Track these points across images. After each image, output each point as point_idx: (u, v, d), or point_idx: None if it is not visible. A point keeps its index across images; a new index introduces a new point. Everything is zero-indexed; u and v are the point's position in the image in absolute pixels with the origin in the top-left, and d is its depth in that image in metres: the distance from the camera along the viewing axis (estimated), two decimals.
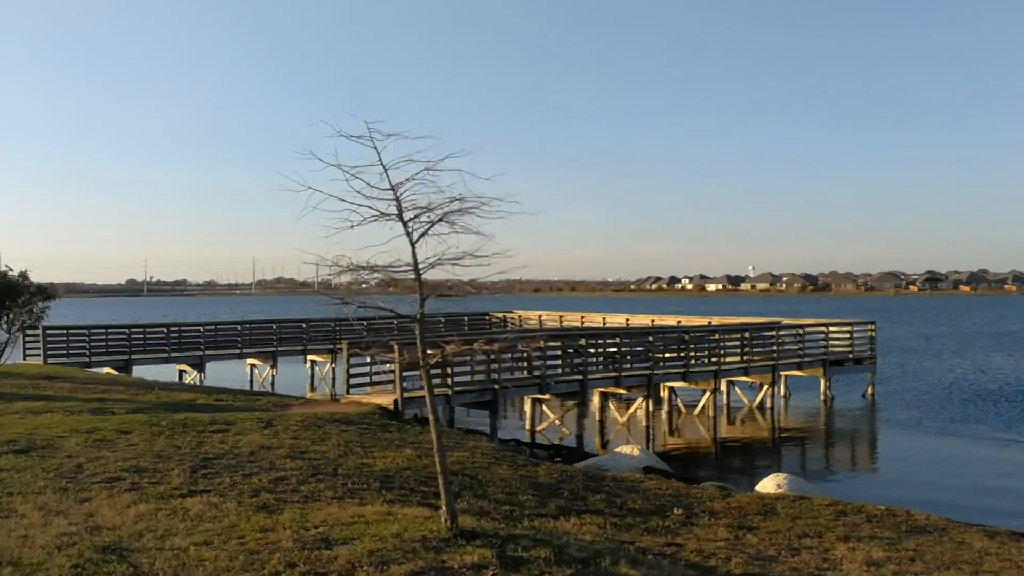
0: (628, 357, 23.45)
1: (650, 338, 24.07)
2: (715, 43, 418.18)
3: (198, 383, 32.80)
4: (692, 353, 24.93)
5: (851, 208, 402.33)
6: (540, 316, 41.85)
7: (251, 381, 35.97)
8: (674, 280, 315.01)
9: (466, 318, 42.01)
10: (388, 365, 21.39)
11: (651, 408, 24.09)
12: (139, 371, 31.74)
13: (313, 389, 35.86)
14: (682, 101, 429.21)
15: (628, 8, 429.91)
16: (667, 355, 24.41)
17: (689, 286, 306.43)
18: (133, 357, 31.78)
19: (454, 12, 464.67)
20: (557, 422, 23.17)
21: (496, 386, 20.70)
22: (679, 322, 35.90)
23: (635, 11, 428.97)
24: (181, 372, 34.14)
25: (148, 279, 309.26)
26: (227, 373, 36.19)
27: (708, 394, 25.75)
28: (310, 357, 37.09)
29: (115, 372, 31.10)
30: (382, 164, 8.37)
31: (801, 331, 28.20)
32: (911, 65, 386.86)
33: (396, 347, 19.69)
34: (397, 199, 8.39)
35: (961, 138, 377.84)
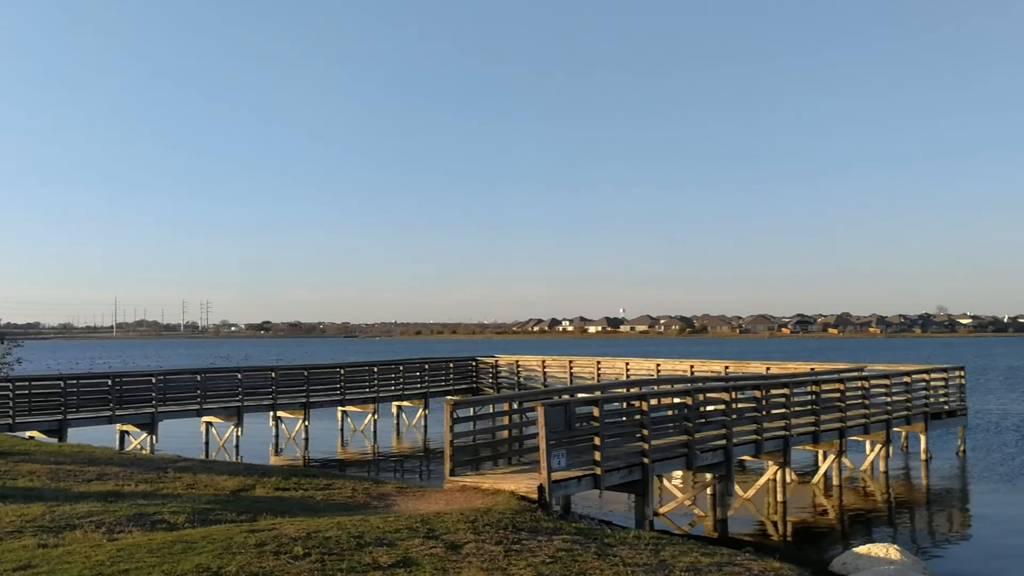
0: (764, 415, 18.62)
1: (786, 390, 19.24)
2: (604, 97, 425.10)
3: (148, 447, 26.08)
4: (821, 408, 20.35)
5: (721, 253, 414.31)
6: (543, 360, 35.87)
7: (207, 443, 29.17)
8: (555, 322, 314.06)
9: (451, 364, 36.18)
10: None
11: (787, 479, 19.31)
12: (75, 435, 24.84)
13: (278, 452, 29.37)
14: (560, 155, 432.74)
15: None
16: (798, 410, 19.73)
17: (570, 328, 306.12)
18: (68, 417, 24.75)
19: None
20: (687, 503, 18.00)
21: (645, 459, 15.43)
22: (692, 368, 31.08)
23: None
24: (123, 434, 27.12)
25: None
26: (179, 434, 29.41)
27: (833, 457, 21.18)
28: (279, 412, 30.55)
29: (40, 435, 24.15)
30: None
31: (909, 379, 24.06)
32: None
33: (541, 409, 14.23)
34: None
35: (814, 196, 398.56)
